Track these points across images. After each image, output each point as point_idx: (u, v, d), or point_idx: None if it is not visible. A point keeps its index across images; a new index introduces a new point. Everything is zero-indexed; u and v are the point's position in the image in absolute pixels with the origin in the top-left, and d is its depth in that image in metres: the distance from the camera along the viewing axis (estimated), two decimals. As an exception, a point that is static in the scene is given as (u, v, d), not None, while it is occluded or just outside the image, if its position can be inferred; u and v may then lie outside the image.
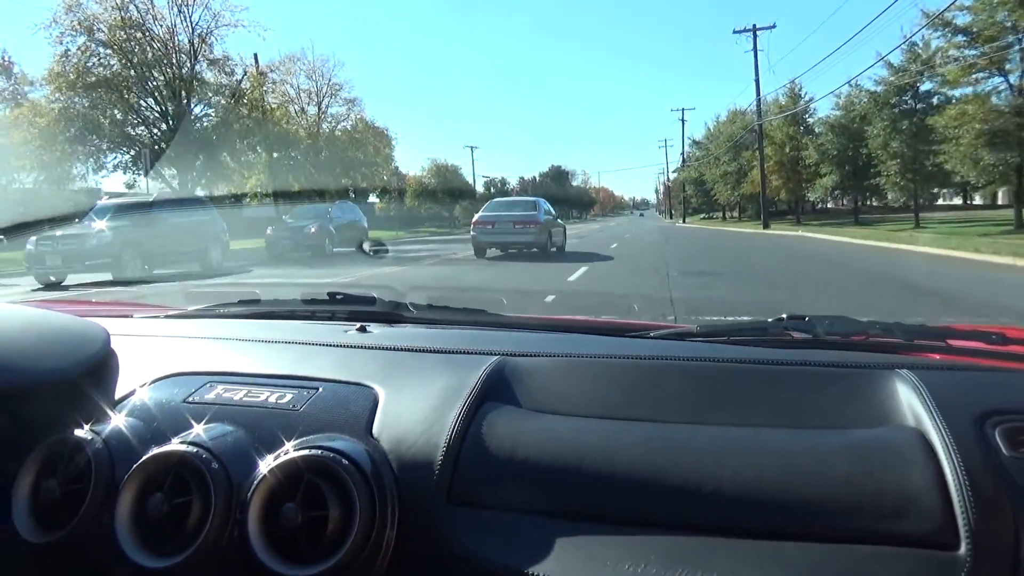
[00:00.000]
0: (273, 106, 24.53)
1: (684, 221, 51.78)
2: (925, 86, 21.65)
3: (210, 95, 23.48)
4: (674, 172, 66.99)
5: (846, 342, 0.89)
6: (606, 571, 0.59)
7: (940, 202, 40.99)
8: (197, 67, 22.78)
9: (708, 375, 0.80)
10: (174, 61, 22.25)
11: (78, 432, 0.73)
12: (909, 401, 0.72)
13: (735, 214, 45.47)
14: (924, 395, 0.71)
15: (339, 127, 29.09)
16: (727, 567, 0.58)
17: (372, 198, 35.82)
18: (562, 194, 71.77)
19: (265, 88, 24.27)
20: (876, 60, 22.16)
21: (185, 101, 22.38)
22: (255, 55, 24.56)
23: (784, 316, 0.94)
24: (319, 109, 28.72)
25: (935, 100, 21.89)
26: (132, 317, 1.18)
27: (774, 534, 0.61)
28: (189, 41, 22.36)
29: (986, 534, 0.59)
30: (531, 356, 0.86)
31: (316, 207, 17.68)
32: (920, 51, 20.29)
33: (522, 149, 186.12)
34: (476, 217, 13.36)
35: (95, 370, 0.82)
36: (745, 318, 1.04)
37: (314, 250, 14.57)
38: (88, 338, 0.85)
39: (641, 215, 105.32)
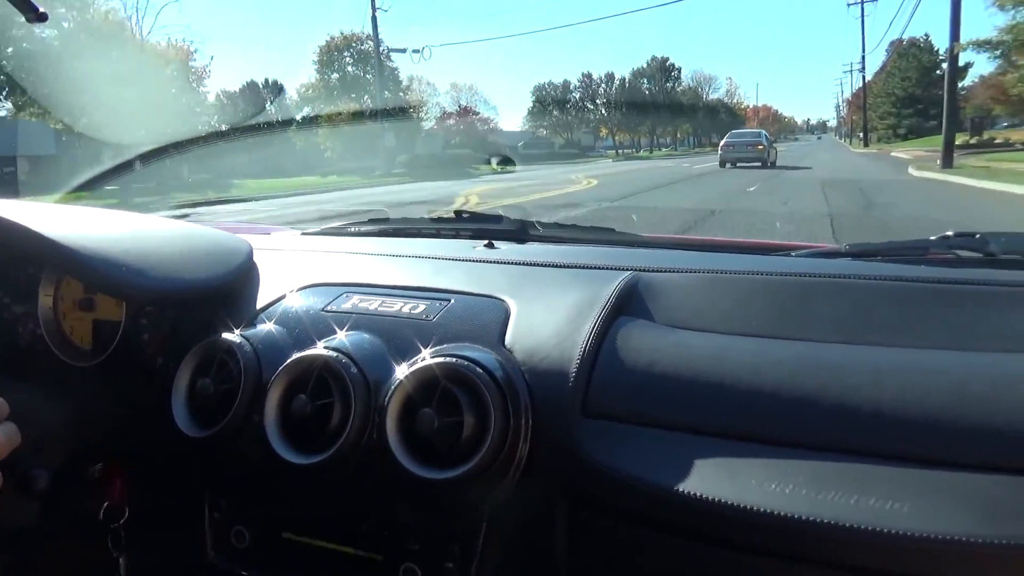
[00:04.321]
0: None
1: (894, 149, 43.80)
2: None
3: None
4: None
5: None
6: (751, 490, 0.57)
7: None
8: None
9: (863, 293, 0.75)
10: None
11: (228, 336, 0.78)
12: None
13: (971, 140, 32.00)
14: None
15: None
16: (886, 492, 0.54)
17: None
18: (667, 103, 59.50)
19: None
20: None
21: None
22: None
23: (949, 233, 0.87)
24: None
25: None
26: (270, 234, 1.27)
27: (941, 463, 0.57)
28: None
29: None
30: (667, 272, 0.84)
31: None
32: None
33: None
34: (721, 143, 21.20)
35: (242, 280, 0.89)
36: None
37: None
38: (235, 251, 0.92)
39: (819, 139, 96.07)
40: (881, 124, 55.78)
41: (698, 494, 0.57)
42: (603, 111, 55.47)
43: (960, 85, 57.00)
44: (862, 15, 47.83)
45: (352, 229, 1.27)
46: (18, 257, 0.90)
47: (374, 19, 26.29)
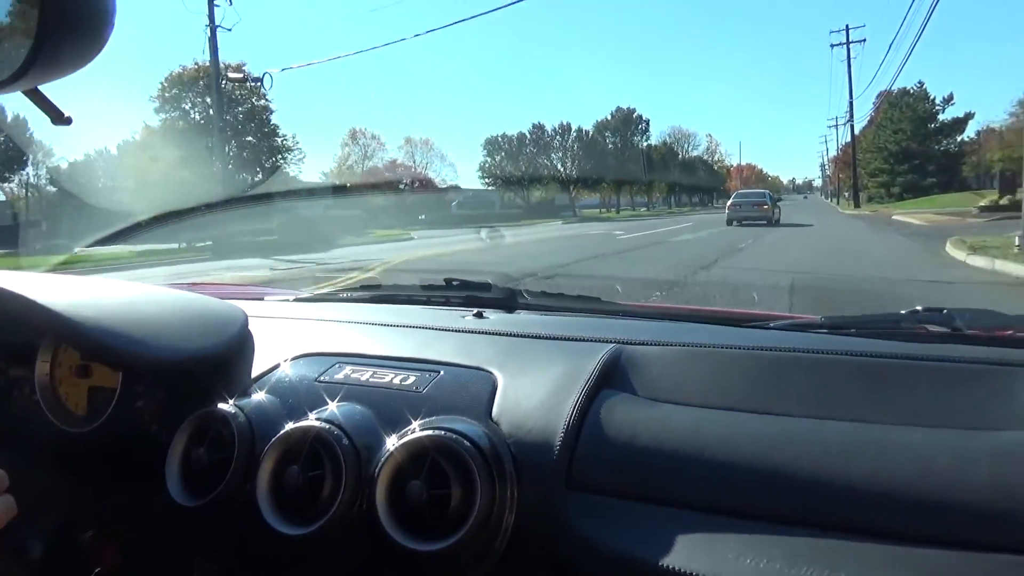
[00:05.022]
0: None
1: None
2: None
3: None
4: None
5: (990, 337, 0.85)
6: (728, 564, 0.60)
7: None
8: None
9: (835, 368, 0.79)
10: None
11: (223, 406, 0.81)
12: None
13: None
14: None
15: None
16: (856, 568, 0.58)
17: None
18: (634, 158, 55.89)
19: None
20: None
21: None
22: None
23: (919, 308, 0.91)
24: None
25: None
26: (264, 300, 1.31)
27: (907, 537, 0.60)
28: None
29: None
30: (648, 344, 0.87)
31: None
32: None
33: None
34: (728, 202, 22.64)
35: (237, 349, 0.91)
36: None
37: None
38: (230, 320, 0.94)
39: (805, 198, 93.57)
40: (872, 182, 48.74)
41: (677, 568, 0.60)
42: (560, 166, 48.01)
43: (962, 137, 49.93)
44: (848, 56, 41.12)
45: (344, 295, 1.33)
46: (17, 324, 0.90)
47: (213, 40, 18.57)
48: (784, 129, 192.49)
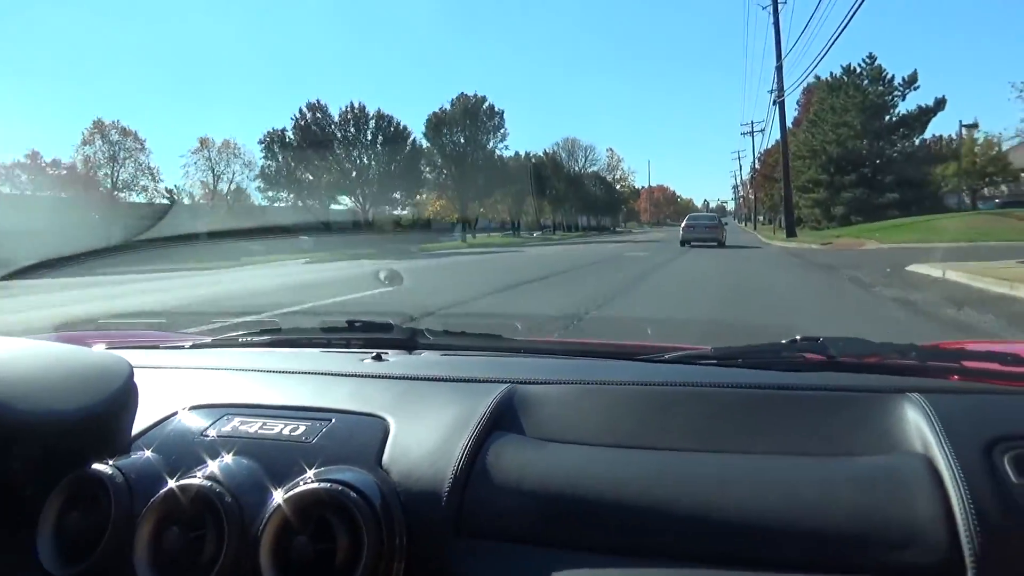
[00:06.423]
0: None
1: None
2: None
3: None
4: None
5: (859, 364, 0.99)
6: None
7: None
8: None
9: (719, 401, 0.93)
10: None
11: (100, 466, 0.85)
12: (918, 426, 0.82)
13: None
14: (933, 420, 0.81)
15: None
16: None
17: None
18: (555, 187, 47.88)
19: None
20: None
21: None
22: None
23: (797, 337, 1.06)
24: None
25: None
26: (158, 348, 1.41)
27: (779, 565, 0.69)
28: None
29: (992, 565, 0.64)
30: (541, 383, 1.00)
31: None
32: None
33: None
34: (683, 224, 26.86)
35: (118, 405, 0.96)
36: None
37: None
38: (112, 373, 0.98)
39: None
40: (804, 200, 32.31)
41: None
42: (349, 166, 30.31)
43: (925, 137, 34.98)
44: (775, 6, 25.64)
45: (242, 340, 1.42)
46: None
47: None
48: (695, 149, 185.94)
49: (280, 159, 36.19)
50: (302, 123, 36.64)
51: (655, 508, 0.72)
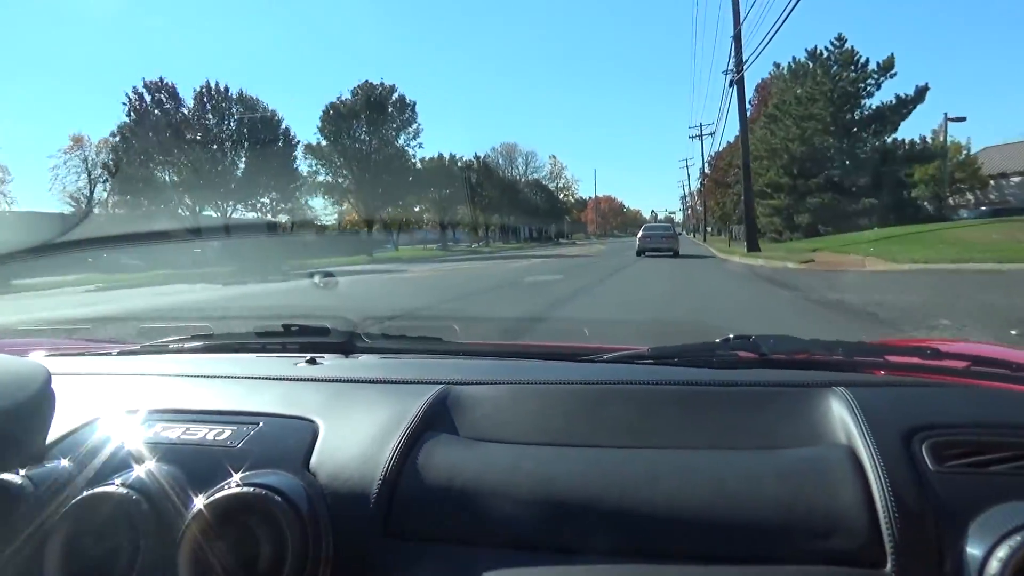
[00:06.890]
0: None
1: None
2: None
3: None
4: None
5: (789, 360, 1.06)
6: None
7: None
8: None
9: (653, 398, 0.98)
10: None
11: (9, 477, 0.86)
12: (842, 418, 0.88)
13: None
14: (856, 412, 0.87)
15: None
16: None
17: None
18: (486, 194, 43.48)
19: None
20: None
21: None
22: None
23: (731, 336, 1.12)
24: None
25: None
26: (84, 355, 1.45)
27: (707, 558, 0.73)
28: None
29: (910, 550, 0.70)
30: (475, 384, 1.04)
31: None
32: None
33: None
34: (639, 234, 28.09)
35: (31, 412, 0.96)
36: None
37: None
38: (26, 379, 0.97)
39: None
40: (762, 208, 26.26)
41: None
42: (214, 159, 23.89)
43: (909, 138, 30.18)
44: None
45: (173, 346, 1.44)
46: None
47: None
48: (643, 158, 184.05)
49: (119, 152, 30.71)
50: (139, 108, 28.85)
51: (585, 504, 0.74)
